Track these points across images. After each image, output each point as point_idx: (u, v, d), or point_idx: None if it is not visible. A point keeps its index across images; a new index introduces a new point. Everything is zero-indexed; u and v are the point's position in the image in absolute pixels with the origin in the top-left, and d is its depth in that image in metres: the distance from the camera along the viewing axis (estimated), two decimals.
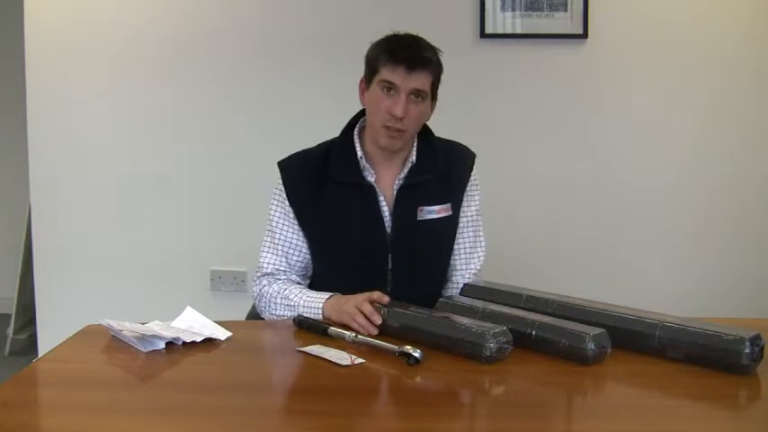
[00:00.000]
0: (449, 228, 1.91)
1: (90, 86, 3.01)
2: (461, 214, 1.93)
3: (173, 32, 2.97)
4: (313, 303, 1.76)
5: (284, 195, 1.87)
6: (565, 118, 2.94)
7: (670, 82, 2.91)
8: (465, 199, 1.93)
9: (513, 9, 2.87)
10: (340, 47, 2.91)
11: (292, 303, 1.79)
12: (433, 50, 1.82)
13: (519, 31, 2.88)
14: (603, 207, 2.97)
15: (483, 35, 2.89)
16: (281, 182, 1.89)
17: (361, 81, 1.85)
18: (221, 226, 3.03)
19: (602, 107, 2.94)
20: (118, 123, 3.04)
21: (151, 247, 3.06)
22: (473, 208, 1.95)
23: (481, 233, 1.97)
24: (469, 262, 1.95)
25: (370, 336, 1.55)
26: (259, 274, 1.91)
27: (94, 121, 3.03)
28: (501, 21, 2.88)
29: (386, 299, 1.63)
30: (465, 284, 1.83)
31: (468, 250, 1.95)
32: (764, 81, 2.91)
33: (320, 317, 1.73)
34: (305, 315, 1.72)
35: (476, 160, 1.97)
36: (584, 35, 2.87)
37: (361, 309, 1.62)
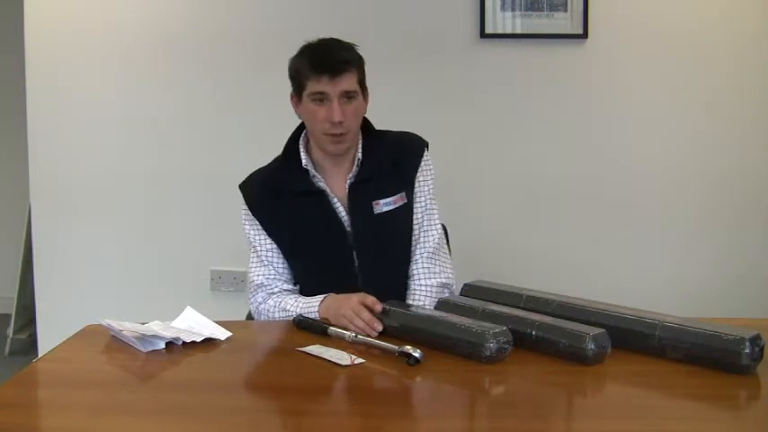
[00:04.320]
0: (407, 215, 1.93)
1: (90, 86, 3.01)
2: (415, 199, 1.94)
3: (173, 32, 2.97)
4: (309, 309, 1.79)
5: (250, 213, 1.93)
6: (565, 118, 2.94)
7: (670, 82, 2.91)
8: (417, 183, 1.94)
9: (513, 9, 2.87)
10: None
11: (290, 313, 1.82)
12: (350, 48, 1.84)
13: (519, 31, 2.88)
14: (604, 207, 2.97)
15: (483, 35, 2.89)
16: (244, 202, 1.94)
17: (292, 96, 1.90)
18: (221, 226, 3.02)
19: (602, 107, 2.94)
20: (118, 123, 3.04)
21: (151, 247, 3.06)
22: (426, 190, 1.94)
23: (435, 214, 1.96)
24: (426, 241, 1.93)
25: (369, 336, 1.56)
26: (251, 289, 1.94)
27: (94, 121, 3.03)
28: (501, 21, 2.88)
29: (379, 307, 1.63)
30: (465, 284, 1.83)
31: (423, 229, 1.93)
32: (765, 81, 2.91)
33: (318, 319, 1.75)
34: None
35: (428, 146, 1.97)
36: (584, 35, 2.87)
37: (359, 315, 1.62)
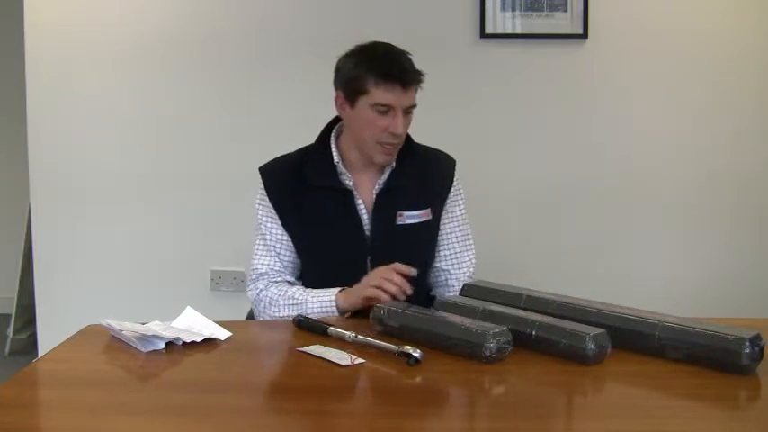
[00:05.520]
0: (428, 232, 1.93)
1: (90, 86, 3.02)
2: (447, 220, 1.95)
3: (173, 32, 2.98)
4: (323, 298, 1.77)
5: (267, 199, 1.90)
6: (565, 118, 2.94)
7: (670, 82, 2.91)
8: (449, 205, 1.95)
9: (513, 9, 2.87)
10: (340, 47, 2.89)
11: (298, 302, 1.79)
12: (410, 58, 1.82)
13: (519, 31, 2.88)
14: (604, 206, 2.98)
15: (483, 35, 2.89)
16: (262, 187, 1.92)
17: (339, 96, 1.85)
18: (221, 226, 3.03)
19: (601, 107, 2.94)
20: (118, 123, 3.04)
21: (151, 248, 3.06)
22: (459, 213, 1.97)
23: (470, 236, 1.99)
24: (461, 265, 1.97)
25: (369, 335, 1.56)
26: (254, 276, 1.91)
27: (94, 121, 3.04)
28: (501, 21, 2.88)
29: (414, 271, 1.69)
30: (465, 284, 1.83)
31: (458, 253, 1.97)
32: (764, 80, 2.91)
33: (333, 310, 1.75)
34: (315, 312, 1.75)
35: (457, 165, 1.98)
36: (584, 35, 2.87)
37: (391, 279, 1.66)
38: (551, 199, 2.98)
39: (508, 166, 2.95)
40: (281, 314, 1.82)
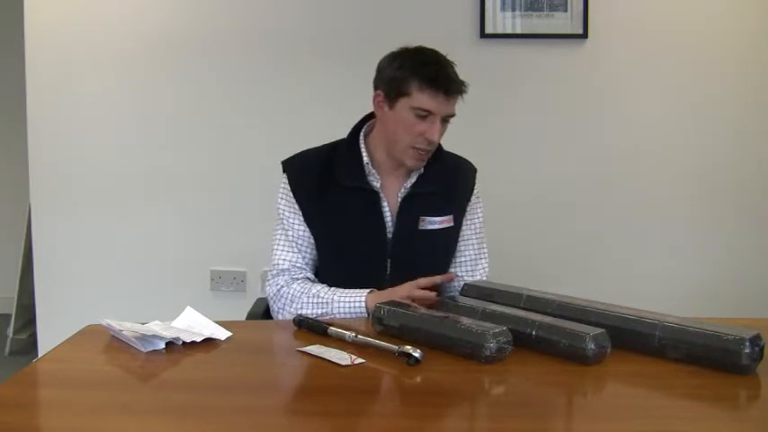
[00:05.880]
0: (449, 238, 1.93)
1: (90, 86, 3.02)
2: (465, 227, 1.96)
3: (173, 32, 2.98)
4: (352, 299, 1.77)
5: (290, 194, 1.88)
6: (564, 118, 2.94)
7: (670, 82, 2.91)
8: (469, 212, 1.96)
9: (513, 9, 2.87)
10: (341, 47, 2.91)
11: (324, 301, 1.79)
12: (455, 68, 1.81)
13: (519, 31, 2.88)
14: (603, 207, 2.98)
15: (483, 35, 2.89)
16: (286, 180, 1.90)
17: (378, 95, 1.83)
18: (221, 226, 3.03)
19: (602, 107, 2.94)
20: (118, 123, 3.04)
21: (151, 247, 3.06)
22: (477, 221, 1.98)
23: (485, 245, 2.00)
24: (475, 272, 1.98)
25: (369, 335, 1.56)
26: (274, 271, 1.89)
27: (94, 121, 3.04)
28: (501, 21, 2.88)
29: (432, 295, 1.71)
30: (465, 284, 1.83)
31: (473, 261, 1.97)
32: (764, 81, 2.91)
33: (362, 311, 1.75)
34: (342, 312, 1.76)
35: (476, 170, 2.01)
36: (584, 35, 2.87)
37: (417, 288, 1.71)
38: (551, 199, 2.98)
39: (508, 166, 2.95)
40: (306, 312, 1.79)
